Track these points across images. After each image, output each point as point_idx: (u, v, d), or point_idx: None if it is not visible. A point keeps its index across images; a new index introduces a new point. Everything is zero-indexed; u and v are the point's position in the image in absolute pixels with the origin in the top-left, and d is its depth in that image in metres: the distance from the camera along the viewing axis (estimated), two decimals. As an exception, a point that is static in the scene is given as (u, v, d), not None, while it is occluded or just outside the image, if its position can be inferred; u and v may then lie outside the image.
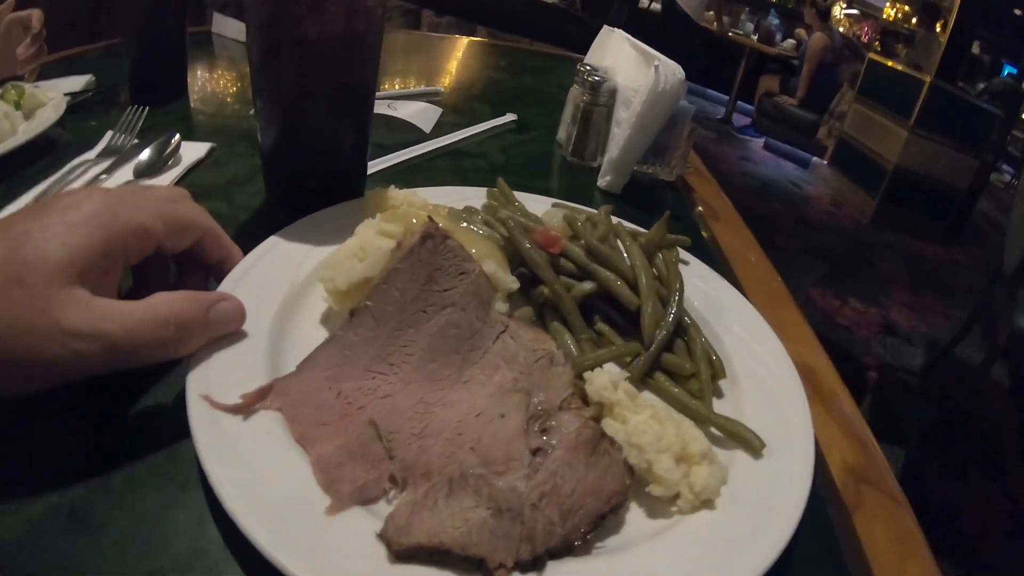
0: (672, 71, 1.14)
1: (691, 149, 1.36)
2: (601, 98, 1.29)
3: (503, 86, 2.07)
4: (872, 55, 7.35)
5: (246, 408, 0.58)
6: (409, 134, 1.38)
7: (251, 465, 0.53)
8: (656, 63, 1.15)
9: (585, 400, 0.63)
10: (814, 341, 0.94)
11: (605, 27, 1.51)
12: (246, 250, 0.77)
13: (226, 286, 0.71)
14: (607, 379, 0.64)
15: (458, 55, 2.44)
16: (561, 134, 1.44)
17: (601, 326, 0.80)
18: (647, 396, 0.72)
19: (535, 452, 0.57)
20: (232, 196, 1.03)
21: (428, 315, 0.68)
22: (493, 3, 3.23)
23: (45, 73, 1.51)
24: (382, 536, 0.50)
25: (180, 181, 1.06)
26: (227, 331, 0.64)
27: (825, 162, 7.62)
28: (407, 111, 1.46)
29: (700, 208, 1.30)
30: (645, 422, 0.60)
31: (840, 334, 4.27)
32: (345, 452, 0.57)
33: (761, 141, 8.63)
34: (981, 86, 6.84)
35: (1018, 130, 7.41)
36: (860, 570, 0.62)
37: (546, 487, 0.55)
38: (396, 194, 0.88)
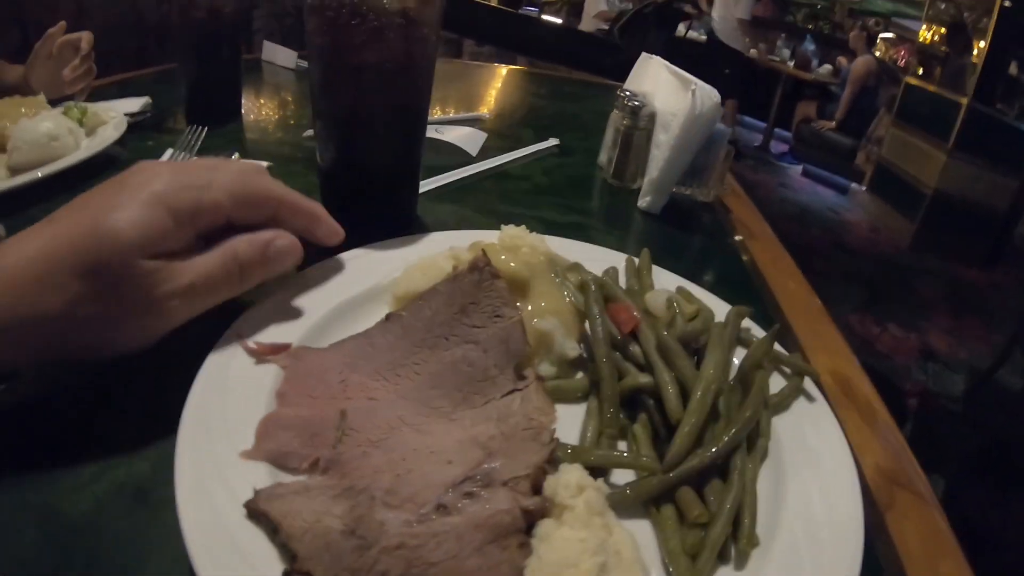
0: (708, 95, 1.18)
1: (727, 171, 1.39)
2: (641, 122, 1.32)
3: (544, 112, 2.12)
4: (909, 79, 7.31)
5: (260, 354, 0.67)
6: (456, 157, 1.42)
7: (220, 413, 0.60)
8: (693, 87, 1.18)
9: (537, 489, 0.55)
10: (849, 353, 0.96)
11: (644, 54, 1.55)
12: (311, 261, 0.81)
13: (301, 278, 0.80)
14: (575, 480, 0.55)
15: (499, 83, 2.50)
16: (602, 157, 1.48)
17: (638, 428, 0.68)
18: (637, 527, 0.59)
19: (439, 507, 0.52)
20: None
21: (449, 343, 0.69)
22: (532, 33, 3.30)
23: (101, 95, 1.57)
24: (256, 490, 0.52)
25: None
26: (285, 265, 0.71)
27: (864, 188, 7.56)
28: (454, 135, 1.50)
29: (737, 229, 1.33)
30: (569, 542, 0.50)
31: (880, 361, 4.23)
32: (301, 421, 0.61)
33: (799, 168, 8.58)
34: (1018, 106, 6.76)
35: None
36: (893, 567, 0.63)
37: (412, 542, 0.50)
38: (523, 235, 0.86)
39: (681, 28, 8.24)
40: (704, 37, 9.07)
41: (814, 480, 0.64)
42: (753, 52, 9.05)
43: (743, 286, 1.10)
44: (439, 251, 0.81)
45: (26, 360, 0.59)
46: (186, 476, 0.52)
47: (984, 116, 6.19)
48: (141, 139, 1.35)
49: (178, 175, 0.62)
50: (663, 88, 1.34)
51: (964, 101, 6.17)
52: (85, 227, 0.55)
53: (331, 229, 0.76)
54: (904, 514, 0.70)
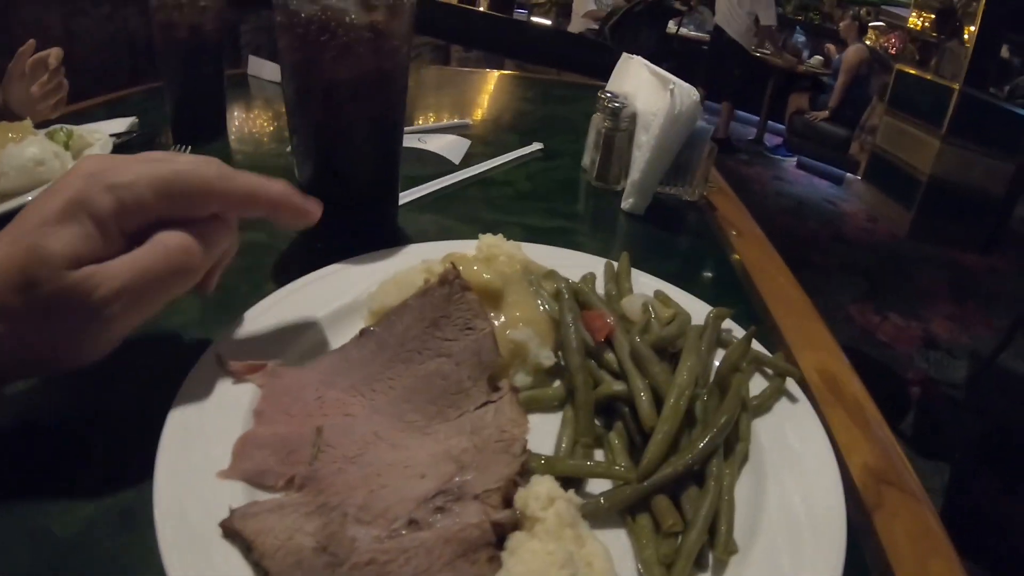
0: (687, 93, 1.17)
1: (712, 168, 1.38)
2: (622, 123, 1.32)
3: (530, 116, 2.11)
4: (900, 66, 7.31)
5: (239, 374, 0.67)
6: (439, 166, 1.41)
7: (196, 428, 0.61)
8: (672, 86, 1.17)
9: (508, 502, 0.55)
10: (836, 349, 0.95)
11: (624, 54, 1.54)
12: (287, 279, 0.83)
13: (275, 297, 0.80)
14: (545, 491, 0.54)
15: (486, 88, 2.49)
16: (586, 160, 1.47)
17: (613, 436, 0.67)
18: (614, 536, 0.59)
19: (411, 522, 0.52)
20: (271, 226, 1.06)
21: (422, 357, 0.68)
22: (519, 36, 3.30)
23: (89, 116, 1.57)
24: (232, 509, 0.53)
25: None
26: (226, 250, 0.65)
27: (859, 177, 7.56)
28: (436, 144, 1.50)
29: (722, 227, 1.32)
30: (537, 555, 0.50)
31: (881, 350, 4.23)
32: (277, 439, 0.61)
33: (794, 160, 8.58)
34: (1007, 88, 6.76)
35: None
36: (880, 569, 0.62)
37: (383, 558, 0.50)
38: (501, 244, 0.86)
39: (672, 25, 8.27)
40: (694, 33, 9.10)
41: (795, 483, 0.63)
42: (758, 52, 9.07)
43: (729, 285, 1.09)
44: (415, 264, 0.81)
45: None
46: (164, 496, 0.53)
47: (977, 101, 6.19)
48: None
49: (103, 174, 0.57)
50: (644, 88, 1.34)
51: (956, 86, 6.17)
52: (15, 245, 0.54)
53: (297, 213, 0.67)
54: (893, 513, 0.69)
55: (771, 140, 9.16)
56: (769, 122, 9.10)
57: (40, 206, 0.56)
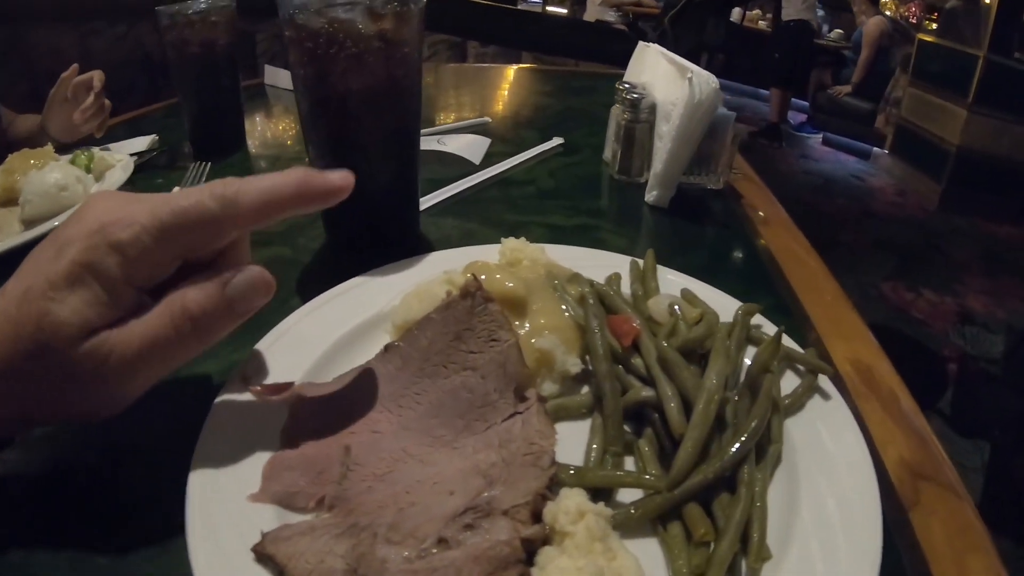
0: (706, 81, 1.16)
1: (735, 155, 1.36)
2: (642, 114, 1.30)
3: (549, 111, 2.09)
4: (922, 35, 7.21)
5: (263, 395, 0.66)
6: (460, 167, 1.41)
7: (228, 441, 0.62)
8: (690, 75, 1.16)
9: (537, 516, 0.54)
10: (870, 338, 0.93)
11: (640, 43, 1.52)
12: (312, 292, 0.83)
13: (302, 313, 0.80)
14: (575, 506, 0.53)
15: (504, 84, 2.48)
16: (607, 153, 1.46)
17: (643, 444, 0.66)
18: (646, 546, 0.58)
19: (440, 541, 0.52)
20: (295, 240, 1.08)
21: (447, 371, 0.68)
22: (535, 29, 3.27)
23: (110, 135, 1.60)
24: (263, 533, 0.53)
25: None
26: (254, 305, 0.60)
27: (886, 151, 7.47)
28: (456, 145, 1.50)
29: (749, 215, 1.30)
30: (565, 572, 0.49)
31: (916, 328, 4.18)
32: (305, 459, 0.61)
33: (819, 137, 8.49)
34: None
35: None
36: (917, 567, 0.61)
37: None
38: (523, 248, 0.87)
39: (736, 13, 8.22)
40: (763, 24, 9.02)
41: (829, 485, 0.62)
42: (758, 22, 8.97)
43: (758, 275, 1.08)
44: (437, 274, 0.81)
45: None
46: (196, 521, 0.54)
47: (1003, 67, 6.09)
48: (151, 177, 1.36)
49: (105, 231, 0.53)
50: (662, 77, 1.32)
51: (981, 54, 6.07)
52: (25, 309, 0.52)
53: (323, 195, 0.61)
54: (930, 510, 0.67)
55: (795, 118, 9.06)
56: (792, 100, 8.99)
57: (46, 265, 0.53)
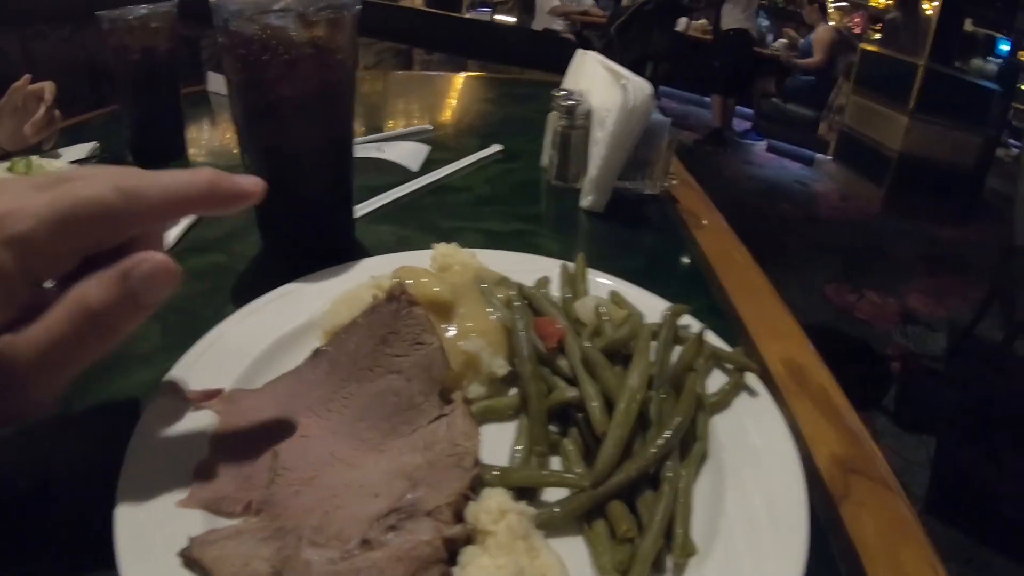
0: (640, 87, 1.17)
1: (672, 161, 1.38)
2: (577, 120, 1.31)
3: (490, 118, 2.10)
4: (865, 45, 7.36)
5: (196, 401, 0.66)
6: (398, 174, 1.40)
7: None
8: (624, 81, 1.17)
9: (460, 517, 0.54)
10: (803, 338, 0.94)
11: (579, 50, 1.54)
12: (248, 299, 0.82)
13: (234, 320, 0.79)
14: (496, 504, 0.54)
15: (447, 91, 2.48)
16: (544, 159, 1.46)
17: (568, 443, 0.66)
18: (573, 545, 0.58)
19: (364, 542, 0.52)
20: (231, 247, 1.07)
21: (374, 375, 0.67)
22: (481, 37, 3.28)
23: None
24: (190, 538, 0.52)
25: (182, 237, 1.08)
26: (158, 296, 0.53)
27: (829, 157, 7.60)
28: (395, 152, 1.49)
29: (684, 220, 1.31)
30: (486, 570, 0.50)
31: (860, 328, 4.24)
32: (234, 465, 0.61)
33: (763, 144, 8.61)
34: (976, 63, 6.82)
35: (1019, 102, 7.38)
36: (849, 561, 0.61)
37: None
38: (455, 253, 0.87)
39: (682, 23, 8.26)
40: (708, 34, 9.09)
41: (755, 479, 0.63)
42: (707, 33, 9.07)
43: (692, 279, 1.09)
44: (365, 281, 0.80)
45: None
46: (124, 529, 0.53)
47: (943, 76, 6.24)
48: None
49: None
50: (598, 84, 1.33)
51: (921, 62, 6.21)
52: None
53: (232, 199, 0.58)
54: (861, 502, 0.68)
55: (740, 125, 9.17)
56: (736, 107, 9.10)
57: None
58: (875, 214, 6.45)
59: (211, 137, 1.84)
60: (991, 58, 7.04)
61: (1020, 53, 7.19)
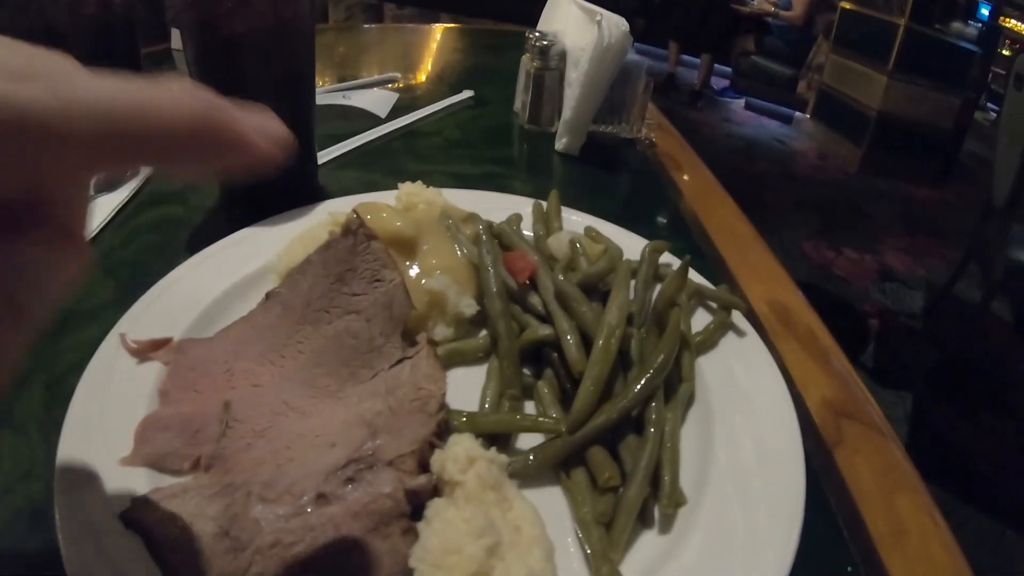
0: (615, 24, 1.12)
1: (648, 104, 1.33)
2: (551, 62, 1.27)
3: (461, 66, 2.04)
4: (844, 3, 7.31)
5: (141, 352, 0.62)
6: (365, 121, 1.35)
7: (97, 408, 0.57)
8: (599, 18, 1.12)
9: (425, 466, 0.50)
10: (786, 279, 0.92)
11: (553, -8, 1.48)
12: (200, 247, 0.78)
13: (194, 261, 0.75)
14: (464, 452, 0.49)
15: (417, 42, 2.40)
16: (517, 103, 1.42)
17: (542, 386, 0.62)
18: (550, 496, 0.54)
19: (319, 497, 0.47)
20: (188, 199, 1.01)
21: (330, 316, 0.63)
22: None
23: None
24: (133, 498, 0.48)
25: (139, 191, 1.03)
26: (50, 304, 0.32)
27: (808, 116, 7.59)
28: (362, 100, 1.44)
29: (663, 163, 1.28)
30: (453, 524, 0.45)
31: (837, 284, 4.24)
32: (182, 419, 0.57)
33: (742, 102, 8.58)
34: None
35: (998, 66, 7.38)
36: (844, 507, 0.59)
37: (288, 539, 0.45)
38: (420, 192, 0.82)
39: None
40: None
41: (745, 424, 0.59)
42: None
43: (671, 221, 1.06)
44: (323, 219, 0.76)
45: None
46: (64, 491, 0.49)
47: (923, 36, 6.21)
48: None
49: None
50: (572, 24, 1.28)
51: (901, 22, 6.18)
52: None
53: (225, 143, 0.31)
54: (855, 448, 0.65)
55: (718, 83, 9.13)
56: (715, 65, 9.06)
57: None
58: (853, 173, 6.45)
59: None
60: (972, 21, 7.02)
61: (1001, 17, 7.19)
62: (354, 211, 0.67)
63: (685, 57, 8.73)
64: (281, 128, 0.34)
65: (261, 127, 0.33)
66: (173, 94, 0.31)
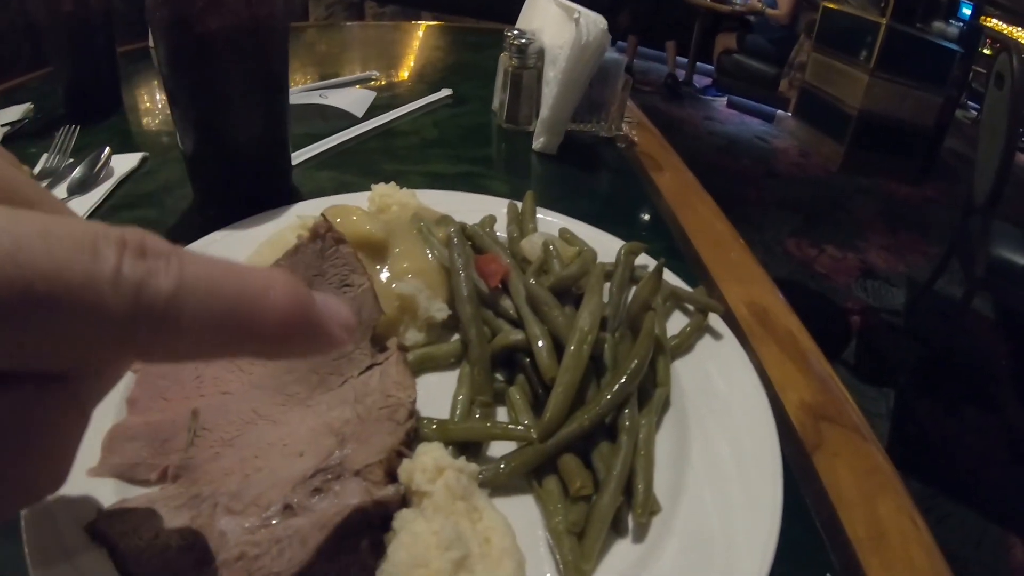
0: (594, 22, 1.11)
1: (627, 102, 1.32)
2: (529, 60, 1.26)
3: (439, 65, 2.03)
4: (826, 2, 7.34)
5: None
6: (342, 121, 1.34)
7: None
8: (577, 15, 1.11)
9: (393, 476, 0.49)
10: (766, 280, 0.91)
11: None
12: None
13: None
14: (432, 461, 0.48)
15: (396, 40, 2.38)
16: (495, 102, 1.41)
17: (514, 392, 0.61)
18: (522, 505, 0.53)
19: (285, 508, 0.46)
20: (163, 202, 1.01)
21: None
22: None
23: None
24: (99, 510, 0.47)
25: (112, 193, 1.02)
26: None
27: (789, 114, 7.61)
28: (338, 99, 1.42)
29: (643, 162, 1.27)
30: (420, 537, 0.44)
31: (820, 282, 4.25)
32: (150, 428, 0.55)
33: (724, 100, 8.59)
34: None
35: (979, 65, 7.42)
36: (823, 511, 0.58)
37: (253, 551, 0.44)
38: (393, 193, 0.81)
39: None
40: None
41: (722, 429, 0.59)
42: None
43: (649, 221, 1.05)
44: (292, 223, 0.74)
45: None
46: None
47: (904, 35, 6.23)
48: (23, 147, 1.26)
49: None
50: (551, 22, 1.27)
51: (883, 21, 6.20)
52: None
53: (311, 337, 0.29)
54: (834, 452, 0.65)
55: (700, 81, 9.14)
56: (697, 63, 9.07)
57: None
58: (835, 171, 6.47)
59: (148, 92, 1.75)
60: (953, 21, 7.04)
61: (982, 17, 7.23)
62: (323, 215, 0.66)
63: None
64: (350, 315, 0.31)
65: (336, 315, 0.30)
66: (267, 282, 0.27)
